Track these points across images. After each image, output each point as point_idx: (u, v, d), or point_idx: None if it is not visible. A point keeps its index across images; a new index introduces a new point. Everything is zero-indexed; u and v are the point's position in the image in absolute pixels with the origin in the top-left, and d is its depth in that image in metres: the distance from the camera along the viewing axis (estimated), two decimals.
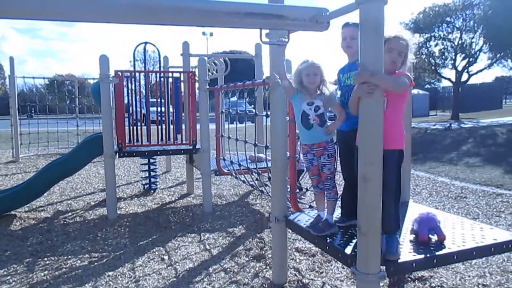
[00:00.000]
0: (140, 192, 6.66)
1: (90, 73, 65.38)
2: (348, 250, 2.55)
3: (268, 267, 3.66)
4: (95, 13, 1.97)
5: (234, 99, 5.28)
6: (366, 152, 2.15)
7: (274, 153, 3.17)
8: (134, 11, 1.98)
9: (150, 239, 4.44)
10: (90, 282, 3.36)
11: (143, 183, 6.85)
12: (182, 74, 5.98)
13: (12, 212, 5.33)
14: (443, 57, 24.04)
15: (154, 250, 4.10)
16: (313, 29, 2.46)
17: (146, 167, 6.61)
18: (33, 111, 13.83)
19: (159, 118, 5.75)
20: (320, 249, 3.90)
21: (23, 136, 11.06)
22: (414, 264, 2.37)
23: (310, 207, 3.88)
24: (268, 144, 3.93)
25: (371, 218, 2.16)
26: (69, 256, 3.92)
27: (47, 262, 3.80)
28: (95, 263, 3.77)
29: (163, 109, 5.68)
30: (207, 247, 4.21)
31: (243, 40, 76.44)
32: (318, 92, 2.97)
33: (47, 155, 11.46)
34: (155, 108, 6.01)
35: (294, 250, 4.03)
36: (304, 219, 3.18)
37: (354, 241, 2.65)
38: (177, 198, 6.31)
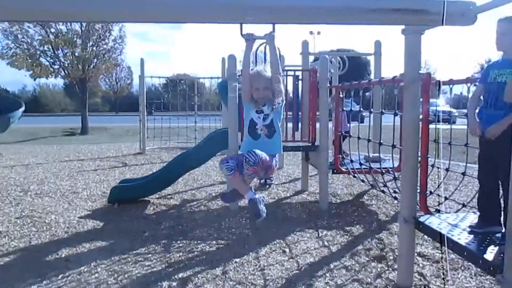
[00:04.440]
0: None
1: (197, 73, 68.87)
2: (490, 256, 2.40)
3: (390, 269, 3.59)
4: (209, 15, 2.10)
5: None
6: None
7: (405, 153, 3.09)
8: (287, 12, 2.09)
9: (270, 231, 4.60)
10: (220, 266, 3.60)
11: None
12: (302, 72, 6.08)
13: (146, 198, 5.91)
14: None
15: (275, 242, 4.24)
16: (460, 23, 2.36)
17: None
18: (153, 108, 15.10)
19: None
20: (445, 256, 3.73)
21: (148, 130, 12.16)
22: None
23: (438, 211, 3.72)
24: (395, 143, 3.84)
25: None
26: (199, 241, 4.25)
27: (180, 244, 4.16)
28: (222, 250, 4.03)
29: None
30: (326, 243, 4.25)
31: (350, 38, 74.80)
32: (274, 102, 2.79)
33: (168, 148, 12.42)
34: None
35: (416, 254, 3.89)
36: (436, 222, 3.06)
37: (495, 248, 2.50)
38: (291, 194, 6.44)
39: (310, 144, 5.55)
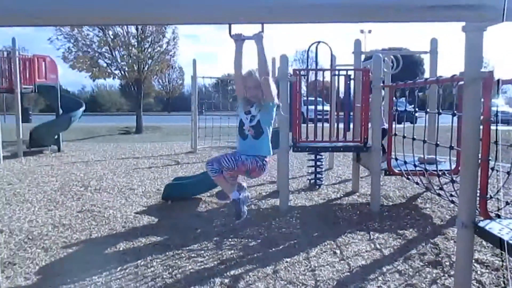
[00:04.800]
0: (306, 187, 6.90)
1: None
2: None
3: (446, 275, 3.47)
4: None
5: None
6: None
7: (465, 155, 2.97)
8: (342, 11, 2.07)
9: (321, 232, 4.58)
10: (270, 265, 3.64)
11: (309, 178, 7.09)
12: (355, 71, 6.00)
13: (198, 196, 6.05)
14: None
15: (326, 243, 4.22)
16: None
17: (313, 163, 6.82)
18: (203, 108, 15.38)
19: (318, 116, 5.88)
20: (505, 264, 3.56)
21: (199, 130, 12.41)
22: None
23: (498, 216, 3.55)
24: (453, 145, 3.70)
25: None
26: (249, 240, 4.30)
27: (232, 242, 4.24)
28: (273, 249, 4.06)
29: (325, 108, 5.81)
30: (378, 246, 4.17)
31: (401, 36, 72.53)
32: (260, 102, 2.77)
33: (218, 147, 12.63)
34: (319, 107, 6.18)
35: (473, 261, 3.73)
36: (497, 227, 2.92)
37: None
38: (342, 195, 6.36)
39: (361, 144, 5.46)
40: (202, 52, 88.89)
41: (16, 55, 10.64)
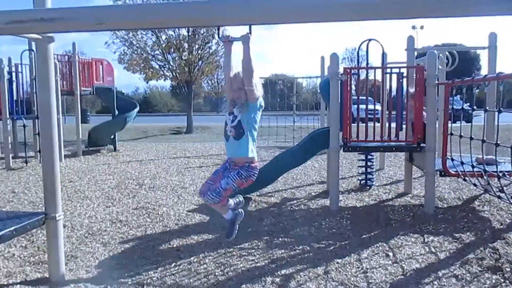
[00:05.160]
0: (356, 187, 6.80)
1: (295, 73, 68.80)
2: None
3: (507, 281, 3.32)
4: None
5: None
6: None
7: None
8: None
9: (372, 233, 4.50)
10: (321, 266, 3.62)
11: (360, 178, 6.98)
12: (408, 69, 5.84)
13: (248, 195, 6.12)
14: None
15: (378, 245, 4.14)
16: None
17: (363, 163, 6.71)
18: None
19: (370, 115, 5.77)
20: None
21: None
22: None
23: None
24: None
25: None
26: (299, 239, 4.31)
27: (281, 241, 4.26)
28: (323, 249, 4.04)
29: (376, 107, 5.69)
30: (433, 249, 4.04)
31: (454, 32, 69.27)
32: (243, 103, 2.79)
33: (267, 147, 12.68)
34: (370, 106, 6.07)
35: None
36: None
37: None
38: (393, 196, 6.21)
39: (415, 144, 5.30)
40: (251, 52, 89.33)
41: (76, 59, 11.23)
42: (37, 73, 3.40)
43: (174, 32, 18.50)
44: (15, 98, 9.97)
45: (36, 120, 10.39)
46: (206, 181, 3.01)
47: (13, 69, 10.21)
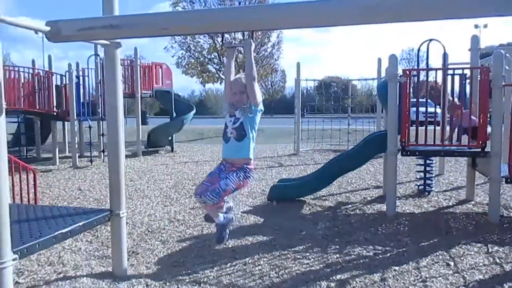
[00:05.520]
0: (413, 193, 6.58)
1: (349, 75, 67.50)
2: None
3: None
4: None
5: None
6: None
7: None
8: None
9: (432, 241, 4.34)
10: (378, 272, 3.55)
11: (418, 184, 6.76)
12: (471, 70, 5.59)
13: (302, 198, 6.11)
14: None
15: (437, 253, 3.99)
16: None
17: (422, 168, 6.49)
18: (305, 110, 15.41)
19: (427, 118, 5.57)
20: None
21: (301, 132, 12.48)
22: None
23: None
24: None
25: None
26: (355, 245, 4.24)
27: (337, 246, 4.21)
28: (380, 256, 3.96)
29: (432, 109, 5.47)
30: (497, 260, 3.84)
31: None
32: (245, 106, 2.84)
33: (321, 150, 12.58)
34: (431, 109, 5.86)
35: None
36: None
37: None
38: (454, 203, 5.95)
39: (479, 149, 5.06)
40: (304, 54, 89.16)
41: (137, 63, 11.73)
42: (105, 76, 3.60)
43: (230, 36, 18.83)
44: (81, 100, 10.57)
45: (101, 121, 10.98)
46: (202, 182, 3.05)
47: (80, 73, 10.83)
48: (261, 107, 2.96)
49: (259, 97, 2.91)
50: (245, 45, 2.89)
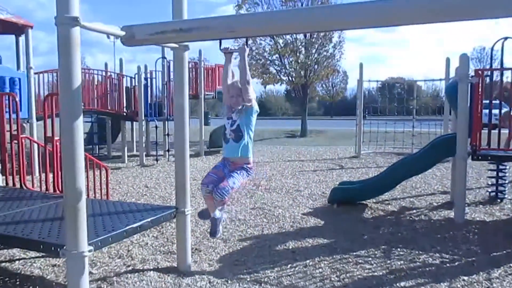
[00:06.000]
0: (484, 200, 6.23)
1: (413, 76, 64.72)
2: None
3: None
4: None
5: None
6: None
7: None
8: None
9: (505, 252, 4.09)
10: (445, 281, 3.40)
11: (489, 190, 6.38)
12: None
13: (363, 202, 5.98)
14: None
15: (511, 265, 3.75)
16: None
17: (494, 173, 6.13)
18: (366, 112, 15.03)
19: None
20: None
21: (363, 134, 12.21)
22: None
23: None
24: None
25: None
26: (420, 252, 4.09)
27: (401, 252, 4.09)
28: (447, 264, 3.79)
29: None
30: None
31: None
32: (239, 107, 3.00)
33: (383, 153, 12.23)
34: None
35: None
36: None
37: None
38: None
39: None
40: (366, 54, 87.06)
41: (202, 65, 12.07)
42: (173, 78, 3.75)
43: (291, 37, 18.81)
44: (149, 101, 11.06)
45: (167, 121, 11.41)
46: (208, 173, 3.21)
47: (148, 75, 11.33)
48: (256, 108, 3.12)
49: (253, 98, 3.08)
50: (240, 51, 3.08)
